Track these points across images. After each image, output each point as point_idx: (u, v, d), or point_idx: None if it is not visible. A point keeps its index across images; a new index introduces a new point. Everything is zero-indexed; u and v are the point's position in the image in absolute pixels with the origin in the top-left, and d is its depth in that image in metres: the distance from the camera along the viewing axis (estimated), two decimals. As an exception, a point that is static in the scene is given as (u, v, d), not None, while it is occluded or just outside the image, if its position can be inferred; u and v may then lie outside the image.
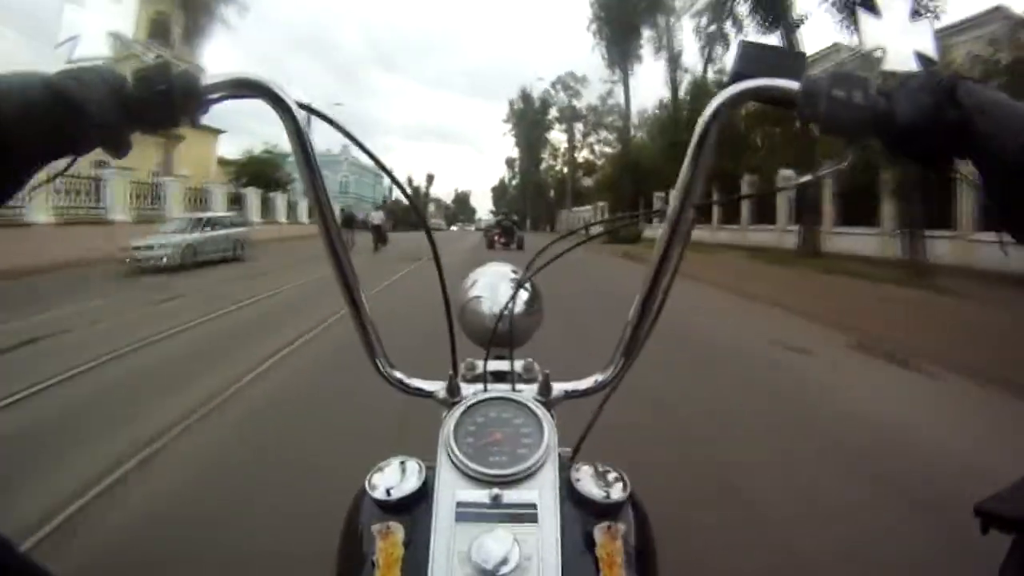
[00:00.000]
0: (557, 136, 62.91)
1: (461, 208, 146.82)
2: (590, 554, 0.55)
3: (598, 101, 53.45)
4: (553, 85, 60.22)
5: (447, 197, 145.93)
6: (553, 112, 61.55)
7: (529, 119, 63.98)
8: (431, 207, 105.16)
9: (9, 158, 0.49)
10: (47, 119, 0.50)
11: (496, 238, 23.55)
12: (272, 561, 2.24)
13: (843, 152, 0.60)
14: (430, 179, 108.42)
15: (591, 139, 57.22)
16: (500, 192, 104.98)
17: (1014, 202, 0.49)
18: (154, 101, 0.54)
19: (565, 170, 60.56)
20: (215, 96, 0.57)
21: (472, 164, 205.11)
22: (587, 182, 56.01)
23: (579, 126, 59.11)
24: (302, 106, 0.61)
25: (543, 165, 67.38)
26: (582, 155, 59.13)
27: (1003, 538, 0.48)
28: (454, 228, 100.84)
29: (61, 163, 0.56)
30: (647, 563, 0.59)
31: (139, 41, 0.60)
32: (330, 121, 0.66)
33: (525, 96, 64.96)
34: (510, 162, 78.43)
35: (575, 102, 58.96)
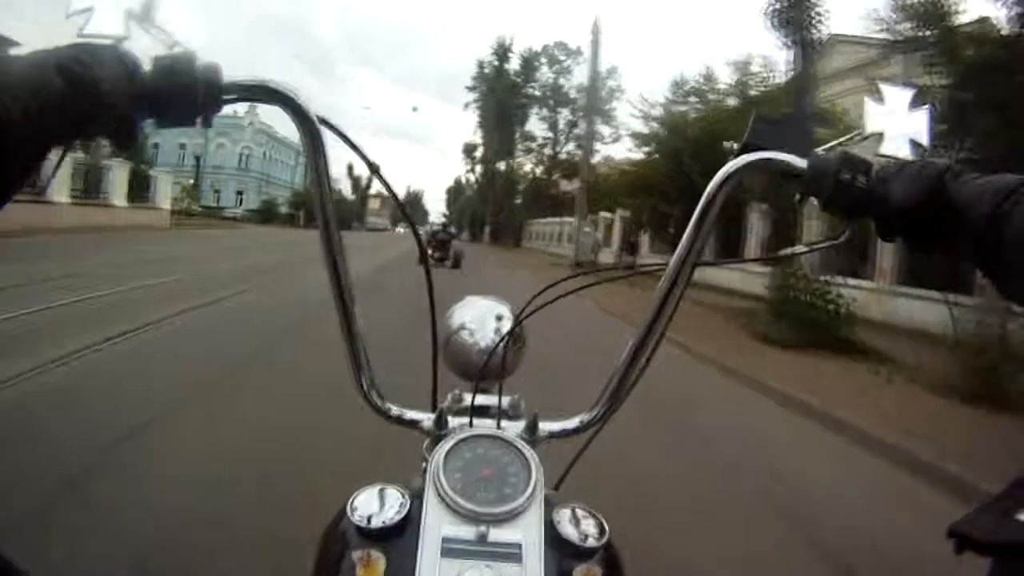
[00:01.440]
0: (536, 126, 48.88)
1: (412, 209, 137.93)
2: None
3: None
4: (537, 56, 46.95)
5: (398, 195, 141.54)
6: (532, 91, 47.94)
7: (503, 87, 47.07)
8: (374, 203, 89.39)
9: (19, 143, 0.47)
10: (58, 103, 0.47)
11: (430, 253, 17.18)
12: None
13: (840, 228, 0.63)
14: (374, 169, 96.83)
15: (578, 130, 42.84)
16: (455, 193, 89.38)
17: (989, 256, 0.53)
18: (175, 95, 0.52)
19: (538, 171, 48.83)
20: (232, 96, 0.56)
21: (433, 166, 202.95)
22: (566, 186, 43.67)
23: (564, 113, 46.55)
24: (320, 120, 0.60)
25: (515, 158, 51.23)
26: (566, 150, 46.51)
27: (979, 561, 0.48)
28: (399, 230, 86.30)
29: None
30: None
31: (157, 25, 0.57)
32: (345, 138, 0.65)
33: (501, 53, 48.10)
34: (469, 150, 56.95)
35: (563, 80, 46.31)
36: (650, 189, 20.51)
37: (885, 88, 0.66)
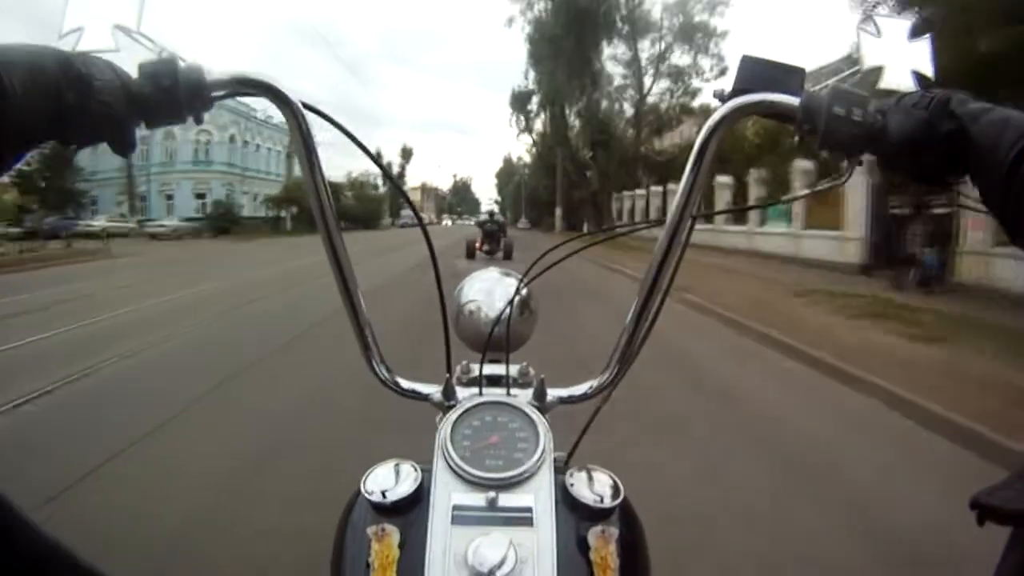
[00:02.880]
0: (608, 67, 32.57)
1: (460, 199, 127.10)
2: (584, 558, 0.56)
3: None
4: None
5: (445, 186, 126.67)
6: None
7: (572, 16, 29.40)
8: (413, 196, 78.63)
9: (9, 127, 0.49)
10: (53, 92, 0.50)
11: (478, 246, 16.56)
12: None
13: (841, 167, 0.61)
14: (406, 154, 77.81)
15: (667, 66, 30.48)
16: (505, 175, 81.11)
17: (1010, 210, 0.49)
18: (160, 97, 0.54)
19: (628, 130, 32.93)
20: (220, 93, 0.58)
21: (482, 155, 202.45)
22: (658, 145, 31.77)
23: (646, 45, 31.22)
24: (306, 106, 0.61)
25: (602, 106, 32.93)
26: (656, 91, 32.09)
27: (1000, 530, 0.48)
28: (447, 222, 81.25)
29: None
30: (640, 567, 0.60)
31: (144, 35, 0.59)
32: (332, 121, 0.66)
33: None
34: (520, 100, 37.41)
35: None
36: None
37: (881, 19, 0.64)
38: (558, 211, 39.96)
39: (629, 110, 33.48)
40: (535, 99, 37.09)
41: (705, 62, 29.64)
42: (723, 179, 19.17)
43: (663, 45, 31.50)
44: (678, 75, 31.58)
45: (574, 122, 35.27)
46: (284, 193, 39.98)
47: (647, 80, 32.64)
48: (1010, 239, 0.51)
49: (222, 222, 35.96)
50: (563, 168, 37.65)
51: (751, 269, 13.46)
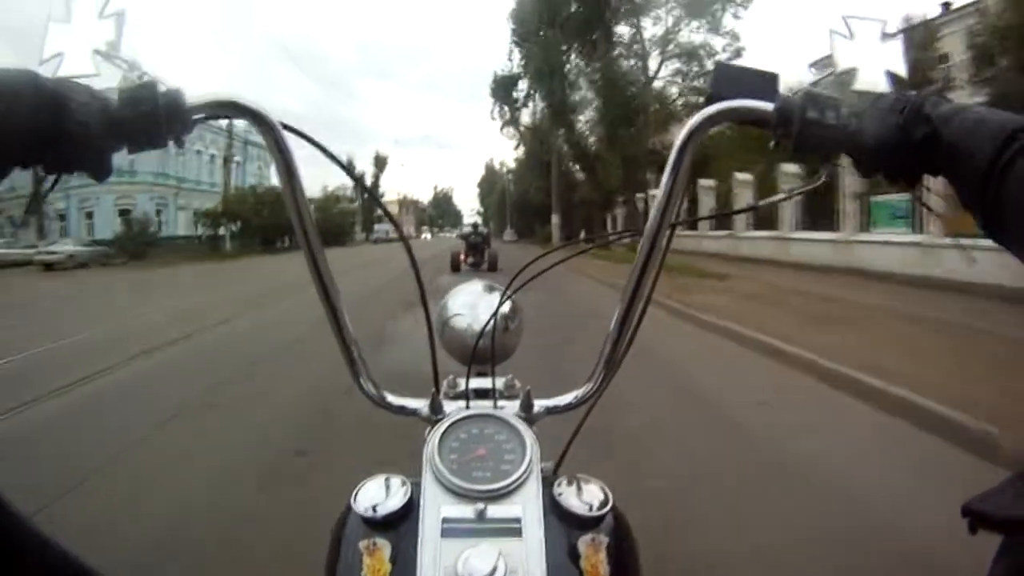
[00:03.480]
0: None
1: (441, 211, 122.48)
2: (575, 567, 0.56)
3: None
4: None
5: (425, 198, 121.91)
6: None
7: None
8: (392, 208, 65.54)
9: None
10: (30, 117, 0.50)
11: (463, 258, 16.41)
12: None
13: (818, 171, 0.62)
14: (380, 163, 70.59)
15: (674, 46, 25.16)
16: (487, 185, 75.27)
17: (990, 208, 0.49)
18: (140, 121, 0.55)
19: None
20: (200, 116, 0.58)
21: (460, 168, 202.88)
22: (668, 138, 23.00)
23: (648, 24, 25.56)
24: (285, 127, 0.62)
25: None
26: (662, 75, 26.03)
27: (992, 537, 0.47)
28: (426, 236, 74.84)
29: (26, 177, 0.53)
30: (631, 573, 0.60)
31: (124, 59, 0.60)
32: (311, 141, 0.67)
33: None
34: (504, 87, 32.24)
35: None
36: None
37: (853, 21, 0.64)
38: (555, 218, 33.89)
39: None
40: (522, 85, 31.23)
41: (717, 42, 24.97)
42: (706, 183, 18.84)
43: (671, 21, 25.52)
44: (690, 56, 25.42)
45: (578, 96, 27.92)
46: (222, 206, 33.33)
47: (652, 63, 26.03)
48: (987, 235, 0.52)
49: (133, 244, 28.22)
50: (561, 163, 33.04)
51: (891, 300, 8.41)
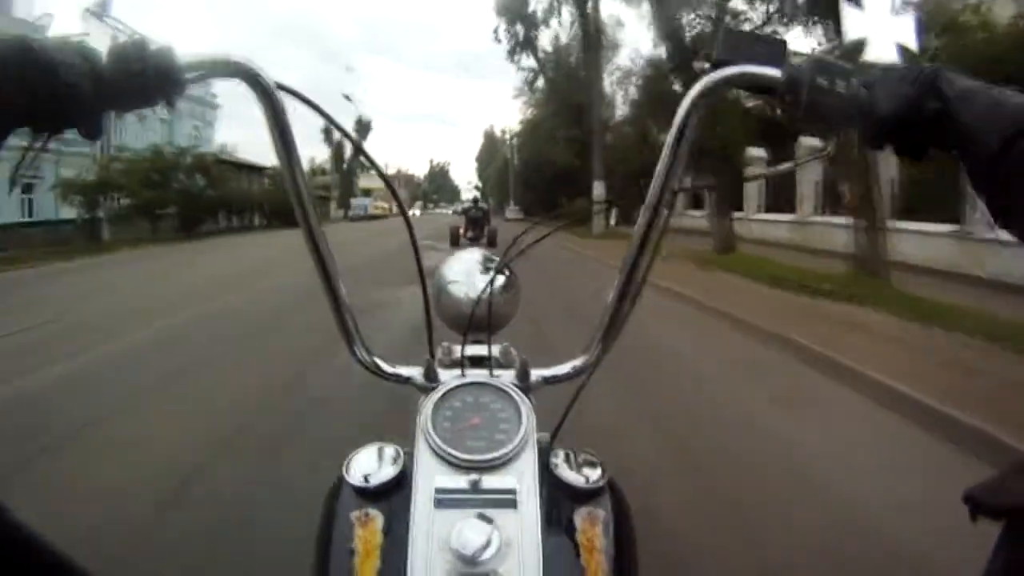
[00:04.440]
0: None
1: (437, 186, 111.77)
2: (570, 539, 0.56)
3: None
4: None
5: (421, 172, 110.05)
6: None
7: None
8: (368, 182, 59.79)
9: None
10: (21, 80, 0.49)
11: (462, 232, 16.49)
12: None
13: (824, 140, 0.61)
14: (363, 128, 58.54)
15: None
16: (486, 157, 66.14)
17: (1000, 190, 0.49)
18: (130, 81, 0.53)
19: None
20: (192, 75, 0.56)
21: (459, 144, 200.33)
22: None
23: None
24: (281, 87, 0.60)
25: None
26: None
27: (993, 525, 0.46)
28: (414, 212, 63.45)
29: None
30: (627, 548, 0.60)
31: (115, 19, 0.59)
32: (309, 103, 0.65)
33: None
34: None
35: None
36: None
37: None
38: (598, 187, 20.98)
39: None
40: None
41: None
42: (756, 152, 15.03)
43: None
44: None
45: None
46: (99, 178, 23.07)
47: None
48: (994, 220, 0.51)
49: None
50: (604, 106, 22.40)
51: None
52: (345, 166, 55.95)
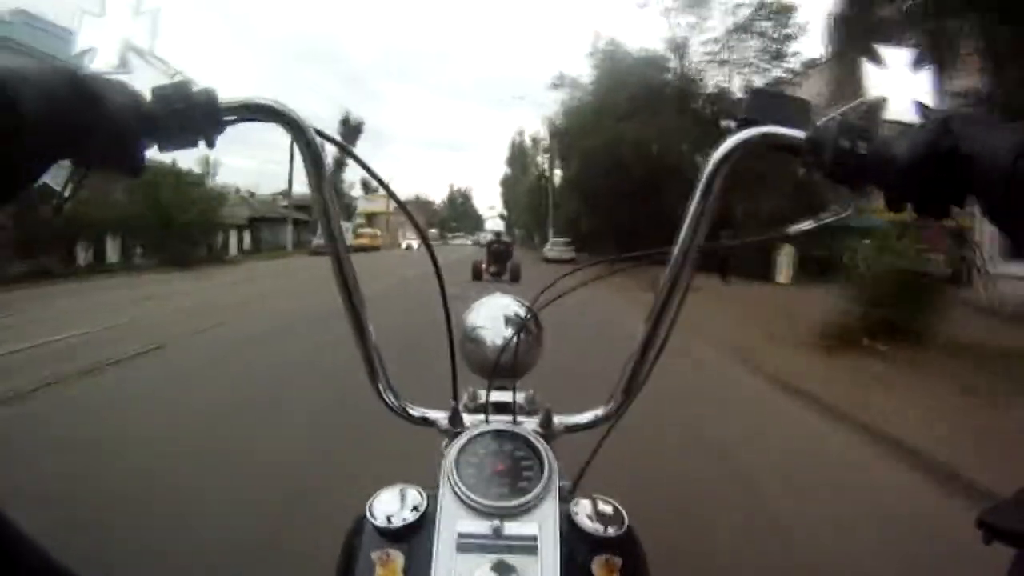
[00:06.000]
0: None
1: (460, 213, 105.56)
2: None
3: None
4: None
5: (439, 198, 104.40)
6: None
7: None
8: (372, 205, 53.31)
9: (22, 148, 0.48)
10: (65, 113, 0.49)
11: (484, 267, 15.72)
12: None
13: (846, 200, 0.61)
14: (352, 129, 50.09)
15: None
16: (512, 181, 56.60)
17: (1016, 210, 0.49)
18: (172, 120, 0.55)
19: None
20: (232, 118, 0.58)
21: (479, 172, 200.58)
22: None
23: None
24: (320, 133, 0.62)
25: None
26: None
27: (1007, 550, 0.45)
28: (408, 243, 45.10)
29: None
30: None
31: (158, 57, 0.60)
32: (344, 148, 0.67)
33: None
34: None
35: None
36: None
37: (884, 49, 0.64)
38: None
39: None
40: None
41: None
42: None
43: None
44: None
45: None
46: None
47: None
48: (1017, 250, 0.51)
49: None
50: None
51: None
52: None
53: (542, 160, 41.16)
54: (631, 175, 19.69)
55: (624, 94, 21.04)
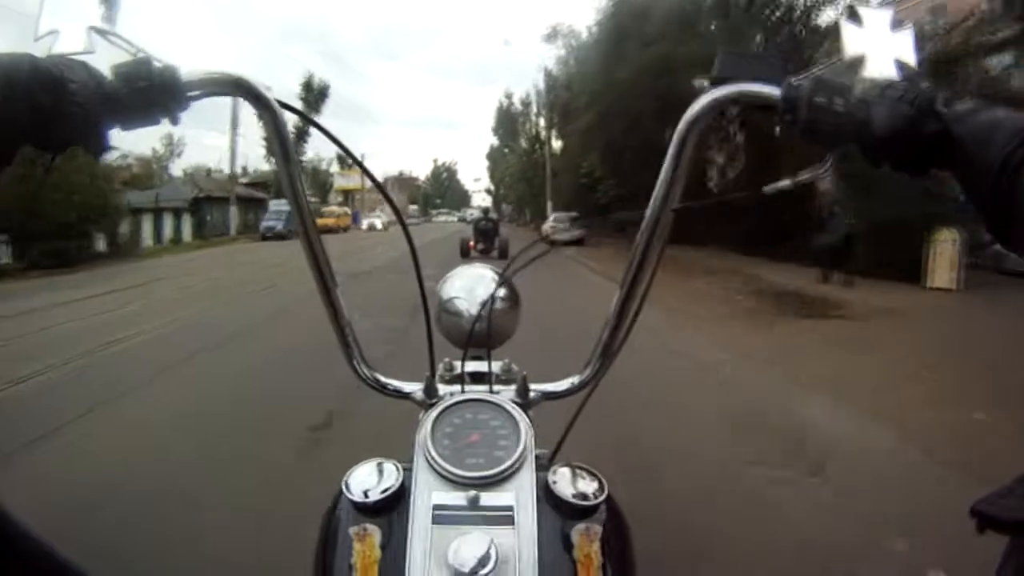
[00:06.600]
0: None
1: (443, 189, 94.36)
2: (568, 556, 0.56)
3: None
4: None
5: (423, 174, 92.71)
6: None
7: None
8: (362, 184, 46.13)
9: None
10: (28, 96, 0.50)
11: (472, 245, 15.97)
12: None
13: (823, 158, 0.61)
14: (316, 94, 41.36)
15: None
16: (499, 148, 50.99)
17: (999, 209, 0.49)
18: (134, 98, 0.54)
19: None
20: (195, 93, 0.57)
21: (468, 149, 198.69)
22: None
23: None
24: (283, 105, 0.61)
25: None
26: None
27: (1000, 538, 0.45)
28: (371, 223, 38.18)
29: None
30: (624, 564, 0.60)
31: (120, 36, 0.59)
32: (309, 119, 0.67)
33: None
34: None
35: None
36: None
37: (863, 10, 0.63)
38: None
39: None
40: None
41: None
42: None
43: None
44: None
45: None
46: None
47: None
48: (995, 238, 0.51)
49: None
50: None
51: None
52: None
53: (536, 119, 36.13)
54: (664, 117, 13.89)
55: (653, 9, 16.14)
